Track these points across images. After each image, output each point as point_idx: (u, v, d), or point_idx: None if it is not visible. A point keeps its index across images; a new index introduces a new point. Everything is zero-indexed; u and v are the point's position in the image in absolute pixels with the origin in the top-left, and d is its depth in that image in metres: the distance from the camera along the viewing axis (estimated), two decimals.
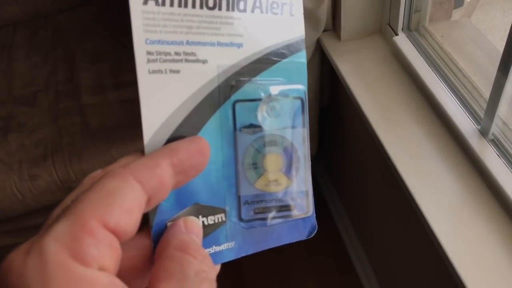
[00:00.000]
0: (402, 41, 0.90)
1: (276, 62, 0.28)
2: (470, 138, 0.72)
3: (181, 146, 0.23)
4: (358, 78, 0.91)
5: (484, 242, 0.64)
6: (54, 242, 0.17)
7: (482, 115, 0.73)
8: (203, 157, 0.23)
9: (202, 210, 0.25)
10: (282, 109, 0.27)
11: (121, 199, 0.19)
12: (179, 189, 0.24)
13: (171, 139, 0.24)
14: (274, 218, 0.27)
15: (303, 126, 0.28)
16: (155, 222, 0.23)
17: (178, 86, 0.25)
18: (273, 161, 0.27)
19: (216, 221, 0.26)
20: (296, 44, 0.28)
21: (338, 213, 1.44)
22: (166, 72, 0.25)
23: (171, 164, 0.21)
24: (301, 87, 0.28)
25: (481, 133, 0.72)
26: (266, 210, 0.27)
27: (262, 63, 0.27)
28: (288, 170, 0.28)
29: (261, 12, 0.27)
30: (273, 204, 0.27)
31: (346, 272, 1.36)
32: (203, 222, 0.25)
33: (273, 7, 0.28)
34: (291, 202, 0.28)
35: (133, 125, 1.08)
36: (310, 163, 0.28)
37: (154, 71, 0.24)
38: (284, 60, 0.28)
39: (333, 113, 1.24)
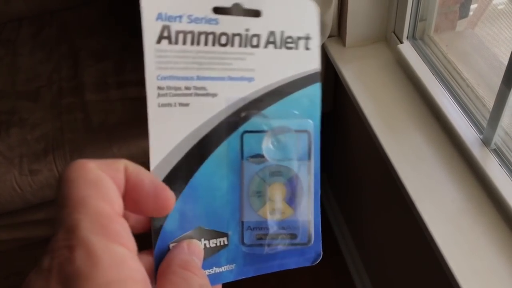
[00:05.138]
0: (407, 49, 0.91)
1: (288, 94, 0.28)
2: (472, 147, 0.72)
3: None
4: (362, 85, 0.91)
5: (484, 251, 0.64)
6: (92, 233, 0.19)
7: (484, 125, 0.74)
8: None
9: (204, 234, 0.26)
10: (288, 142, 0.28)
11: (107, 189, 0.21)
12: (183, 214, 0.26)
13: (177, 167, 0.26)
14: (275, 245, 0.28)
15: (309, 158, 0.29)
16: (158, 243, 0.25)
17: (186, 118, 0.26)
18: (277, 190, 0.28)
19: (218, 244, 0.27)
20: (311, 77, 0.29)
21: (335, 218, 1.44)
22: (175, 105, 0.26)
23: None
24: (309, 120, 0.29)
25: (483, 142, 0.73)
26: (268, 236, 0.28)
27: (273, 95, 0.28)
28: (291, 200, 0.29)
29: (275, 47, 0.28)
30: (275, 231, 0.28)
31: (341, 273, 1.37)
32: (204, 244, 0.26)
33: (287, 42, 0.28)
34: (292, 231, 0.29)
35: (135, 124, 1.08)
36: (319, 194, 0.29)
37: (164, 105, 0.26)
38: (297, 93, 0.29)
39: (336, 119, 1.24)
